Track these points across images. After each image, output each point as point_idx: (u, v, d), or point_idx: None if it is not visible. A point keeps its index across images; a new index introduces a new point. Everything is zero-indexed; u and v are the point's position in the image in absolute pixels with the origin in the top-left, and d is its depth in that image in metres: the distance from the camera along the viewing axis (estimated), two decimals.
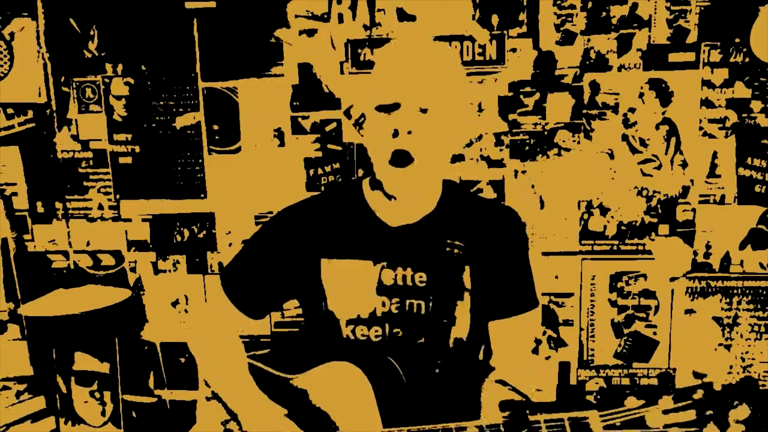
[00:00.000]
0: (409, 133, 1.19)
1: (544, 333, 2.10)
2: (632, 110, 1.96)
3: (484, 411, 1.24)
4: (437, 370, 1.28)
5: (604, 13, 1.93)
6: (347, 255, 1.32)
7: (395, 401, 1.24)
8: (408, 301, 1.30)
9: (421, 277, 1.30)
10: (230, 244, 2.15)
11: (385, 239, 1.32)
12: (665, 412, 1.04)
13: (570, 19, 1.94)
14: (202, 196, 2.14)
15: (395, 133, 1.20)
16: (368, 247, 1.31)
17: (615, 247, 2.04)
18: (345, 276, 1.32)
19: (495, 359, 1.37)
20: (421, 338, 1.30)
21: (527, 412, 1.11)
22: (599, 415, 1.06)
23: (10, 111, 2.14)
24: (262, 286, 1.37)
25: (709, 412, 1.02)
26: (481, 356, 1.41)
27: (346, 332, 1.31)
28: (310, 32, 2.02)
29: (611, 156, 1.99)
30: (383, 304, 1.30)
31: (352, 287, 1.31)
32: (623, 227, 2.03)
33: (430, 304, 1.29)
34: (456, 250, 1.30)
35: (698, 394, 1.02)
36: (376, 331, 1.30)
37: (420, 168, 1.22)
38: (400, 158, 1.21)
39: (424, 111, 1.20)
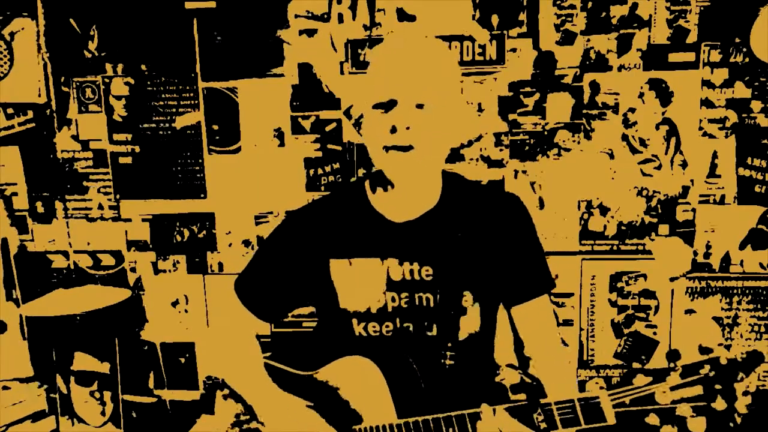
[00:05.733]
0: (407, 128, 1.21)
1: None
2: (632, 110, 1.96)
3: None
4: (449, 362, 1.30)
5: (604, 13, 1.93)
6: (355, 254, 1.34)
7: (410, 395, 1.26)
8: (417, 295, 1.32)
9: (427, 270, 1.31)
10: (230, 244, 2.15)
11: (390, 236, 1.33)
12: (673, 388, 1.04)
13: (570, 19, 1.94)
14: (202, 196, 2.14)
15: (393, 129, 1.21)
16: (375, 245, 1.33)
17: (615, 247, 2.04)
18: (354, 274, 1.33)
19: (526, 347, 1.40)
20: (432, 331, 1.32)
21: (538, 396, 1.13)
22: (609, 395, 1.08)
23: (10, 111, 2.14)
24: (276, 291, 1.40)
25: (717, 387, 1.02)
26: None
27: (358, 329, 1.33)
28: (310, 32, 2.02)
29: (611, 156, 1.99)
30: (393, 300, 1.32)
31: (361, 285, 1.33)
32: (623, 227, 2.03)
33: (438, 297, 1.31)
34: (460, 241, 1.32)
35: (705, 369, 1.03)
36: (387, 326, 1.32)
37: (419, 155, 1.23)
38: (400, 148, 1.22)
39: (420, 107, 1.21)
